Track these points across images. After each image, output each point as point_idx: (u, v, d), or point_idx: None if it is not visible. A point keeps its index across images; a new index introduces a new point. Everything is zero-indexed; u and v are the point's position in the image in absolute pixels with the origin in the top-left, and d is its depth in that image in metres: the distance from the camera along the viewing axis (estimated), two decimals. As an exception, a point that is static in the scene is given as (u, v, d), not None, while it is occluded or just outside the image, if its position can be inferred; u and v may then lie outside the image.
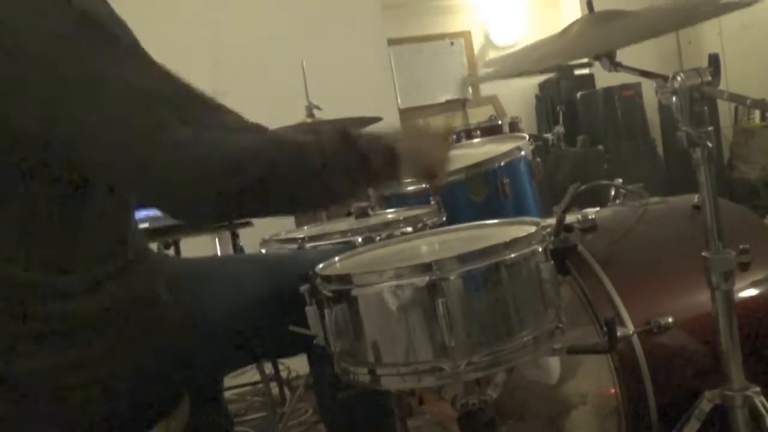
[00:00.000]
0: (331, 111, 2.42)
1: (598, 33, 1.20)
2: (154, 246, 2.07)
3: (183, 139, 0.85)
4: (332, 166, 0.93)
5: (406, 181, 1.14)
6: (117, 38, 0.87)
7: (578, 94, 5.25)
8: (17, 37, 0.82)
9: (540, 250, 0.93)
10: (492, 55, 5.81)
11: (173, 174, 0.85)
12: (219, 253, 2.60)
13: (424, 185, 1.20)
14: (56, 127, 0.84)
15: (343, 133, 0.96)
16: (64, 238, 0.92)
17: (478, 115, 5.14)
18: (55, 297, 0.92)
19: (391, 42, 4.58)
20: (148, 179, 0.86)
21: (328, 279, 0.95)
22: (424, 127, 1.15)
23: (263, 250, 1.55)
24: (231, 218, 1.00)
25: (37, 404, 0.92)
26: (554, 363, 1.29)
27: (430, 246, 1.14)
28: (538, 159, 1.96)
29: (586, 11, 1.28)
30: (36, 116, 0.84)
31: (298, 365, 2.67)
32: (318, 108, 2.42)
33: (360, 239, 1.39)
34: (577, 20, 1.29)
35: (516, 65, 1.39)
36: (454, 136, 3.59)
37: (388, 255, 1.12)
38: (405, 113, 5.17)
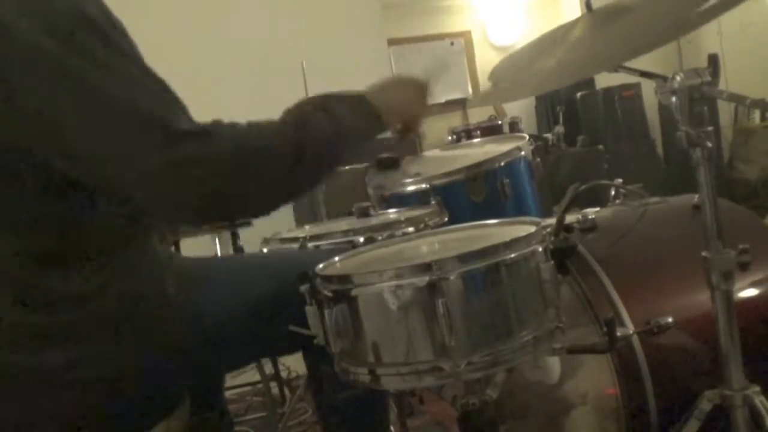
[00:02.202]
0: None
1: (604, 43, 1.19)
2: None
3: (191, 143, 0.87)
4: (317, 148, 0.96)
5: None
6: (116, 43, 0.88)
7: (578, 94, 5.25)
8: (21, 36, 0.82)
9: (540, 250, 0.93)
10: (492, 55, 5.81)
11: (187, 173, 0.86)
12: (219, 253, 2.60)
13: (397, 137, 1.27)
14: (58, 135, 0.84)
15: (322, 110, 1.00)
16: (66, 235, 0.92)
17: (478, 115, 5.15)
18: (59, 294, 0.92)
19: (391, 42, 4.57)
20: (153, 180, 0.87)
21: (328, 279, 0.95)
22: (402, 80, 1.18)
23: (264, 249, 1.55)
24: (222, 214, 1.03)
25: (39, 401, 0.92)
26: (554, 363, 1.29)
27: (430, 246, 1.14)
28: (538, 159, 1.96)
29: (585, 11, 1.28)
30: (38, 120, 0.84)
31: (298, 365, 2.67)
32: (318, 108, 2.41)
33: (361, 239, 1.39)
34: (578, 21, 1.29)
35: (520, 83, 1.37)
36: (454, 137, 3.61)
37: (388, 255, 1.12)
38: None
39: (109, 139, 0.85)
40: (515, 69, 1.40)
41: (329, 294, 0.94)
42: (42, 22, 0.82)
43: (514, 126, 3.58)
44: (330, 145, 0.99)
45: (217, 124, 0.92)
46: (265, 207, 0.98)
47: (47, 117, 0.84)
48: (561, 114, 4.99)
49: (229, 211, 0.97)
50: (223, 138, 0.91)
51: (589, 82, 5.31)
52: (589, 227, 1.36)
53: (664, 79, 1.05)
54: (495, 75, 1.41)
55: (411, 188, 1.82)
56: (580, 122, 5.15)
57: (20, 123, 0.84)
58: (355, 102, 1.05)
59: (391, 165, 2.05)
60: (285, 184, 0.96)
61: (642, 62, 1.15)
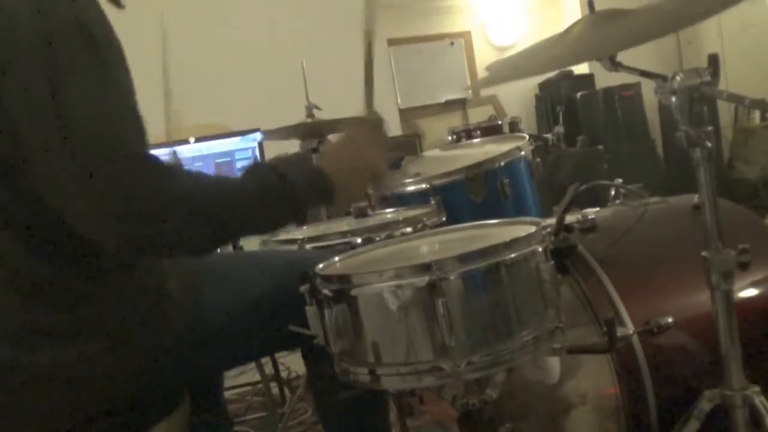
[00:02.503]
0: (331, 111, 2.42)
1: (600, 34, 1.20)
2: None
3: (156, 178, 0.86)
4: (263, 210, 0.95)
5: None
6: (107, 62, 0.88)
7: (578, 94, 5.24)
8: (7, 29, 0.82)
9: (540, 250, 0.93)
10: (492, 55, 5.81)
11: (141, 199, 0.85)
12: (218, 251, 2.59)
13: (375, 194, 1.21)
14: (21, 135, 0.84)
15: (273, 175, 0.95)
16: (63, 235, 0.92)
17: (478, 115, 5.15)
18: (60, 293, 0.92)
19: (391, 42, 4.58)
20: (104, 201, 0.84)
21: (328, 279, 0.95)
22: (354, 140, 1.10)
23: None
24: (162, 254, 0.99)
25: (39, 400, 0.92)
26: (554, 363, 1.29)
27: (430, 246, 1.14)
28: (538, 159, 1.96)
29: (587, 11, 1.28)
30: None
31: (298, 365, 2.67)
32: (318, 108, 2.43)
33: (359, 240, 1.39)
34: (579, 21, 1.29)
35: (518, 69, 1.38)
36: (454, 137, 3.61)
37: (388, 255, 1.12)
38: (405, 113, 5.18)
39: (67, 163, 0.83)
40: (513, 65, 1.41)
41: (329, 294, 0.94)
42: (44, 25, 0.83)
43: (514, 126, 3.57)
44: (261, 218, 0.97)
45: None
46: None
47: (14, 118, 0.83)
48: (561, 114, 4.99)
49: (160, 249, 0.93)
50: (182, 179, 0.90)
51: (590, 82, 5.31)
52: (589, 227, 1.36)
53: (664, 79, 1.05)
54: (492, 67, 1.42)
55: (411, 188, 1.82)
56: (580, 122, 5.14)
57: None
58: (314, 179, 1.00)
59: (391, 165, 2.05)
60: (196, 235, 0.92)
61: (642, 62, 1.15)
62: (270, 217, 0.97)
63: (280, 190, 0.94)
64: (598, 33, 1.19)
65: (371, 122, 1.14)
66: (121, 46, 0.91)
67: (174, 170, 0.90)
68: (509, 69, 1.40)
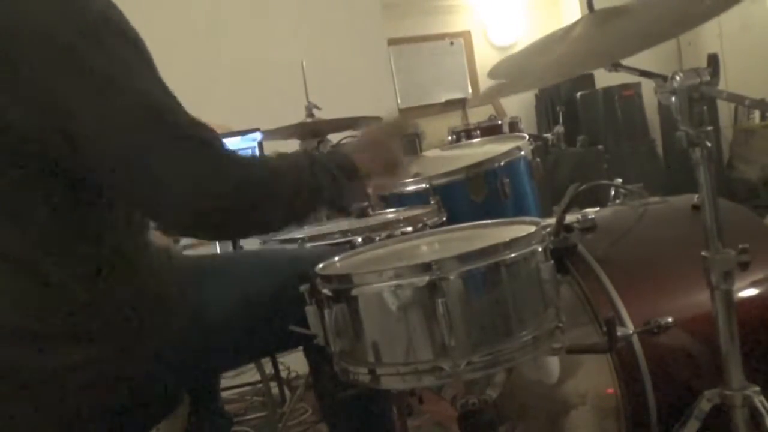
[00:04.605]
0: (331, 111, 2.42)
1: (604, 40, 1.19)
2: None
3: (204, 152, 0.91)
4: (310, 193, 1.02)
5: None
6: (136, 44, 0.92)
7: (578, 94, 5.25)
8: (45, 29, 0.85)
9: (540, 249, 0.93)
10: (492, 54, 5.80)
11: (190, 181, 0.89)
12: (218, 251, 2.59)
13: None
14: (72, 124, 0.86)
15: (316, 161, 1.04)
16: (70, 234, 0.93)
17: (478, 115, 5.15)
18: (62, 295, 0.92)
19: (391, 42, 4.58)
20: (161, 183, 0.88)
21: (327, 278, 0.95)
22: (375, 133, 1.24)
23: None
24: (218, 233, 1.09)
25: (40, 401, 0.92)
26: (554, 363, 1.29)
27: (429, 246, 1.14)
28: (538, 159, 1.96)
29: (586, 11, 1.28)
30: (55, 111, 0.85)
31: (298, 365, 2.67)
32: (318, 108, 2.43)
33: (360, 239, 1.39)
34: (579, 21, 1.29)
35: (523, 78, 1.37)
36: (454, 136, 3.61)
37: (388, 255, 1.12)
38: (405, 113, 5.18)
39: (131, 131, 0.87)
40: (515, 67, 1.40)
41: (329, 293, 0.94)
42: (76, 24, 0.86)
43: (513, 126, 3.57)
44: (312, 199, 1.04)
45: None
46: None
47: (73, 113, 0.85)
48: (561, 114, 4.99)
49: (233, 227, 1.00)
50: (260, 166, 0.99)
51: (589, 82, 5.31)
52: (589, 227, 1.35)
53: (664, 78, 1.05)
54: (495, 72, 1.41)
55: (411, 188, 1.82)
56: (580, 122, 5.15)
57: (42, 117, 0.85)
58: (349, 170, 1.08)
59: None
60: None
61: (642, 62, 1.15)
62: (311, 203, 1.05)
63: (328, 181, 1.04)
64: (602, 39, 1.19)
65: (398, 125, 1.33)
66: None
67: (250, 159, 1.01)
68: (514, 79, 1.39)
